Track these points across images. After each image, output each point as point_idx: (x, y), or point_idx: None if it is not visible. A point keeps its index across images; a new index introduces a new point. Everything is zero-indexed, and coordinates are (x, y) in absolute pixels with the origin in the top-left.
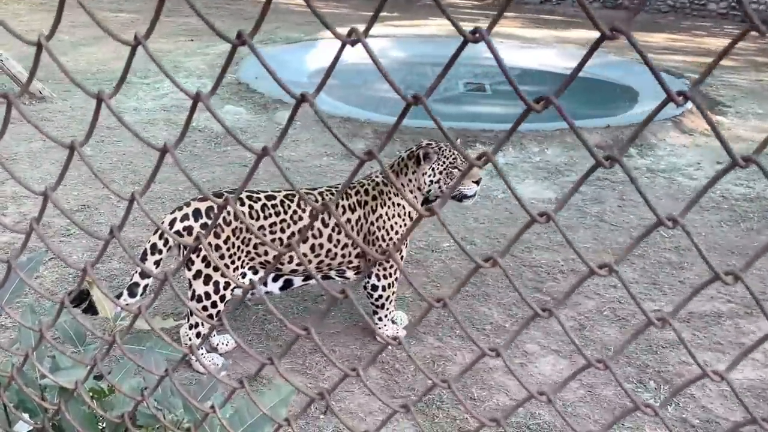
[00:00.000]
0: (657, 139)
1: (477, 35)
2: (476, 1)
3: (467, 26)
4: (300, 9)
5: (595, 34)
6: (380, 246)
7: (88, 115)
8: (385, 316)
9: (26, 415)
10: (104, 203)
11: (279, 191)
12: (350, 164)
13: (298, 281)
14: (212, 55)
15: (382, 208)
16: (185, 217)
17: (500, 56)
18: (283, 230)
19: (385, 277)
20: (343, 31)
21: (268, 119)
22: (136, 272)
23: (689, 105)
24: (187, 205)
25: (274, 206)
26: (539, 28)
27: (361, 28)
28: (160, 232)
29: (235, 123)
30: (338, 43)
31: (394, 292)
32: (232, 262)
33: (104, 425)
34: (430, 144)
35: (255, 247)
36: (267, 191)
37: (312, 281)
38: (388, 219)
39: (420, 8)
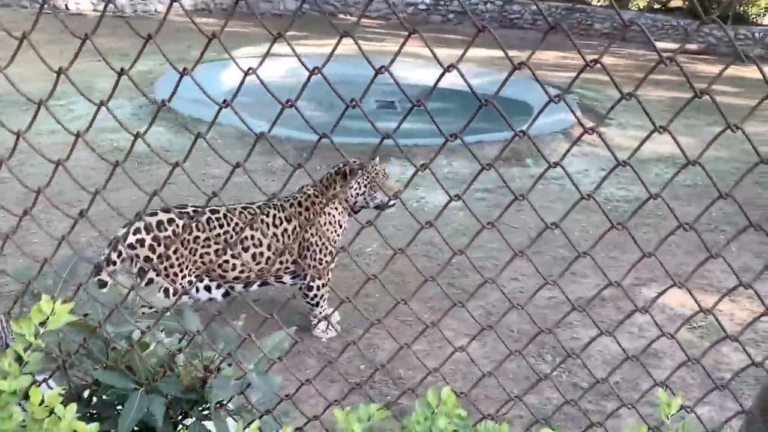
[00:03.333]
0: (550, 149)
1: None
2: (383, 21)
3: (375, 46)
4: (210, 28)
5: (492, 53)
6: (314, 251)
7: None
8: (320, 312)
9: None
10: (92, 207)
11: (221, 206)
12: (271, 179)
13: (238, 288)
14: (125, 76)
15: (314, 217)
16: (137, 231)
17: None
18: (226, 241)
19: (318, 278)
20: (256, 50)
21: (189, 138)
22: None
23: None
24: (139, 220)
25: (218, 219)
26: (441, 47)
27: (273, 47)
28: (113, 245)
29: (156, 142)
30: (251, 63)
31: (327, 291)
32: (180, 271)
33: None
34: (355, 161)
35: (201, 256)
36: (211, 206)
37: (252, 288)
38: (321, 226)
39: (328, 27)
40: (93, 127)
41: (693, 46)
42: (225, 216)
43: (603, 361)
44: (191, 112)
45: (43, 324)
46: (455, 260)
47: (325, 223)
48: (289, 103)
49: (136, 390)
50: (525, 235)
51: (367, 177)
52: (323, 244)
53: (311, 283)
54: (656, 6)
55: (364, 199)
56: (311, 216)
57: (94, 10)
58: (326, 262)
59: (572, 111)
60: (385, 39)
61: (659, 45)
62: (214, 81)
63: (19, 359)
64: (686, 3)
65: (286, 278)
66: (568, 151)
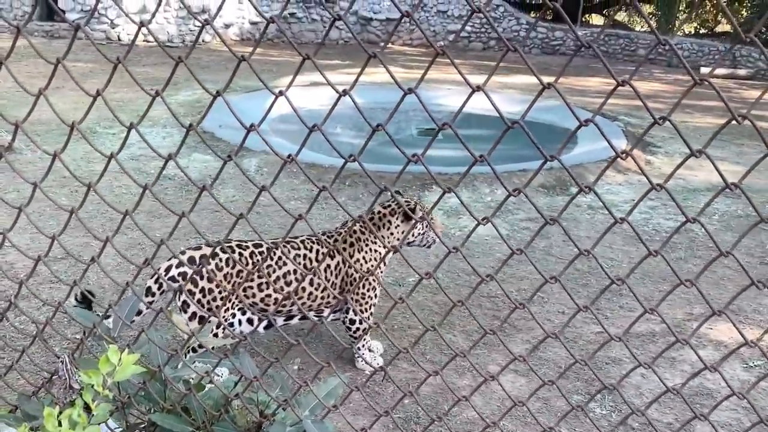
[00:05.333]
0: (595, 178)
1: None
2: (423, 48)
3: (416, 73)
4: (256, 57)
5: (535, 80)
6: (358, 285)
7: (58, 165)
8: (363, 345)
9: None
10: (86, 250)
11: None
12: (316, 208)
13: (279, 321)
14: (174, 105)
15: (359, 253)
16: (180, 264)
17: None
18: (269, 275)
19: (362, 311)
20: (301, 78)
21: (235, 166)
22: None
23: (624, 146)
24: (182, 253)
25: (261, 253)
26: (483, 74)
27: (317, 76)
28: (155, 277)
29: (203, 170)
30: (296, 91)
31: (369, 325)
32: (224, 304)
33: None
34: (408, 201)
35: (244, 290)
36: (254, 240)
37: (292, 321)
38: (365, 262)
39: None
40: (143, 155)
41: (742, 72)
42: (268, 250)
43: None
44: (239, 141)
45: (110, 374)
46: (500, 292)
47: (369, 259)
48: (315, 127)
49: None
50: (572, 267)
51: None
52: (367, 279)
53: (353, 317)
54: (702, 31)
55: (421, 239)
56: (356, 251)
57: (145, 41)
58: (369, 296)
59: (605, 136)
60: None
61: (705, 71)
62: (258, 109)
63: (86, 408)
64: (733, 28)
65: (326, 312)
66: (600, 175)
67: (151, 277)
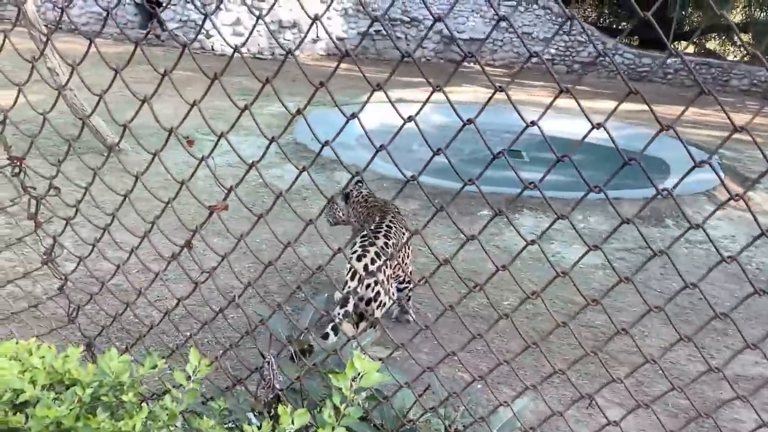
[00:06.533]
0: (692, 211)
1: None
2: (506, 69)
3: (499, 94)
4: (343, 72)
5: (627, 107)
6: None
7: (161, 167)
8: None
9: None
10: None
11: (388, 213)
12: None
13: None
14: (266, 115)
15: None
16: (374, 260)
17: None
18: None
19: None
20: (390, 94)
21: (327, 178)
22: (338, 314)
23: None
24: (367, 251)
25: (395, 228)
26: (569, 97)
27: (403, 92)
28: (356, 276)
29: (298, 181)
30: (382, 107)
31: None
32: (391, 286)
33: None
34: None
35: (402, 269)
36: (384, 219)
37: None
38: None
39: (455, 76)
40: (240, 163)
41: None
42: (393, 223)
43: None
44: (332, 153)
45: (355, 379)
46: (599, 322)
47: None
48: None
49: None
50: (674, 302)
51: None
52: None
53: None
54: None
55: None
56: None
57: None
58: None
59: (718, 175)
60: (510, 87)
61: None
62: (348, 124)
63: (336, 411)
64: None
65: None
66: (711, 215)
67: (352, 278)
